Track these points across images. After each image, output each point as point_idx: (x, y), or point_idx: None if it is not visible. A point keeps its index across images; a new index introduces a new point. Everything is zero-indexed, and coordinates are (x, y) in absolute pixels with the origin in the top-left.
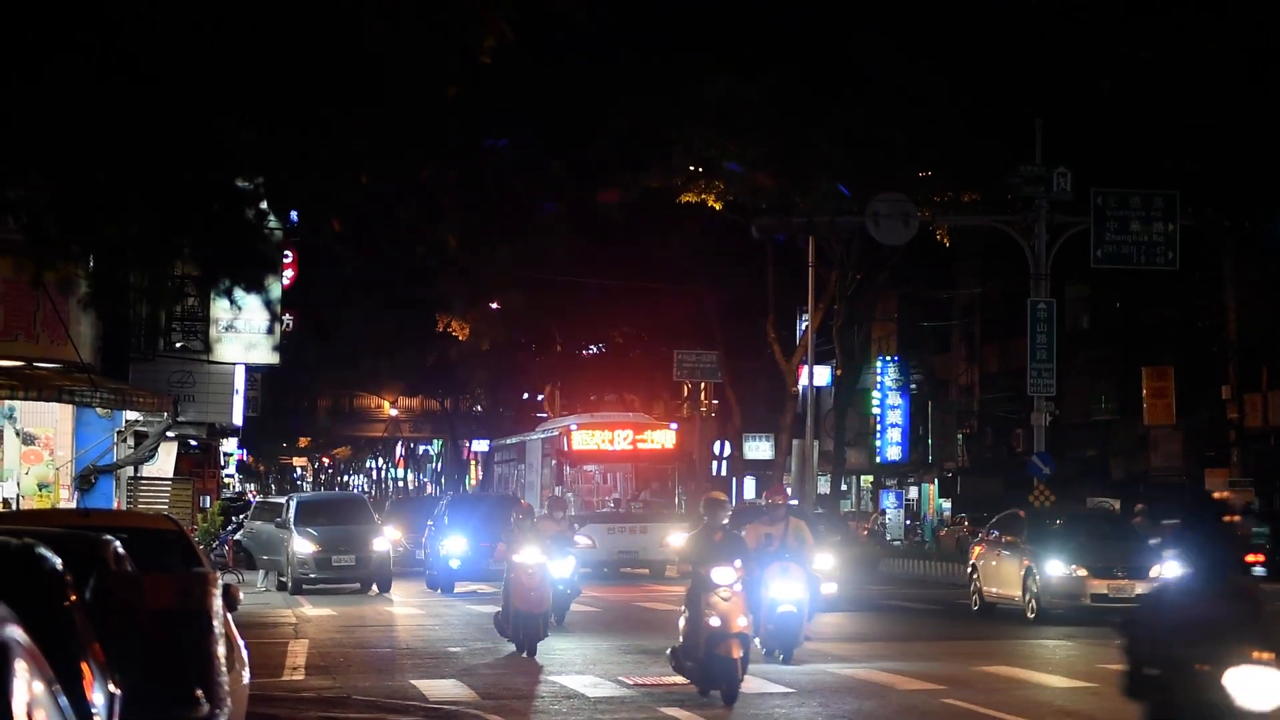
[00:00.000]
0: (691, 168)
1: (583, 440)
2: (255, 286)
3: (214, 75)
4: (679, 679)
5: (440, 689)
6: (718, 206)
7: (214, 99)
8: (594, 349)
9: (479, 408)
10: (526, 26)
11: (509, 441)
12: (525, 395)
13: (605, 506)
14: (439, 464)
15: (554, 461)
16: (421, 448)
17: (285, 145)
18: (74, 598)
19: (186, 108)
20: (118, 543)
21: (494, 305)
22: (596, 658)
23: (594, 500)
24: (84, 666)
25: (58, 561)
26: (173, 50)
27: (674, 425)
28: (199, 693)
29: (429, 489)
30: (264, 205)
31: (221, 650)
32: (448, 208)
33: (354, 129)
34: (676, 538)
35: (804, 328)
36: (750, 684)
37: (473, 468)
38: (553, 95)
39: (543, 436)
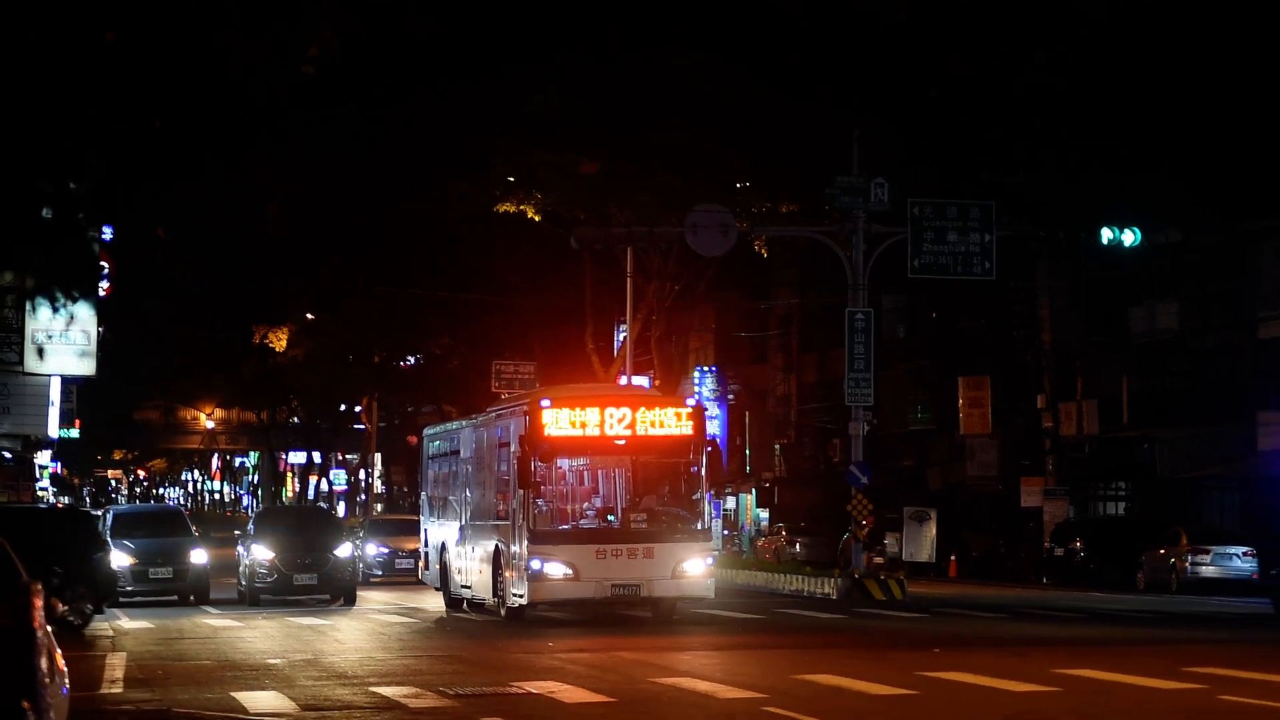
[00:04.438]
0: (510, 178)
1: (558, 422)
2: (87, 294)
3: (50, 85)
4: (502, 689)
5: (261, 701)
6: (536, 217)
7: (51, 109)
8: (412, 360)
9: (296, 419)
10: (357, 38)
11: (444, 429)
12: (343, 406)
13: (589, 519)
14: (255, 476)
15: (516, 455)
16: (238, 460)
17: (120, 154)
18: None
19: (19, 117)
20: None
21: (309, 316)
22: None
23: (573, 510)
24: None
25: None
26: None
27: (693, 400)
28: (25, 704)
29: (244, 501)
30: (91, 213)
31: (45, 663)
32: (275, 215)
33: (191, 136)
34: (695, 565)
35: (622, 338)
36: (570, 694)
37: (289, 479)
38: (379, 104)
39: (495, 421)
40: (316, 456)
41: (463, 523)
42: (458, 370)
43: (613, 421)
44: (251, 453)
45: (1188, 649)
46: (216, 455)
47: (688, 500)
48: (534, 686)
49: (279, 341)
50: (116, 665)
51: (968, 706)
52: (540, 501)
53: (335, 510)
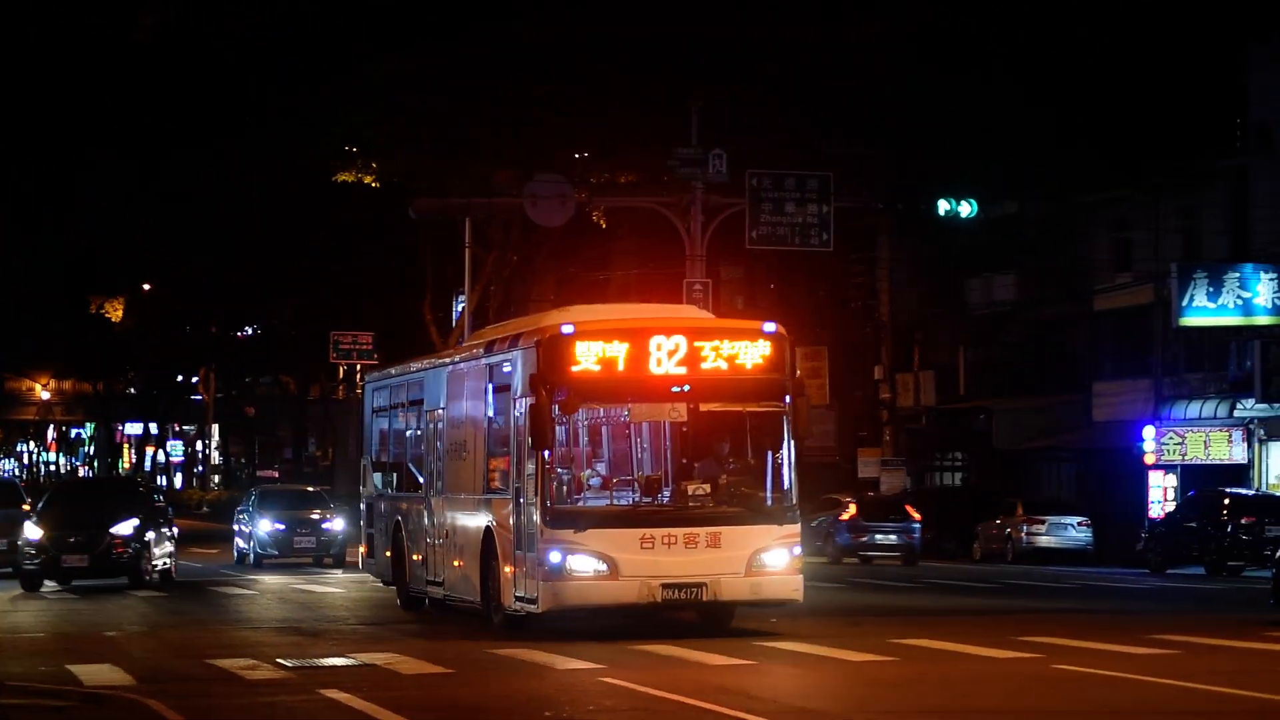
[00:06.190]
0: (350, 148)
1: (587, 356)
2: None
3: None
4: (337, 661)
5: (96, 674)
6: (375, 184)
7: None
8: (250, 330)
9: (133, 390)
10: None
11: (399, 373)
12: (180, 377)
13: (629, 492)
14: (91, 448)
15: (527, 403)
16: (74, 431)
17: None
18: None
19: None
20: None
21: (145, 286)
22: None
23: (608, 480)
24: None
25: None
26: None
27: (771, 326)
28: None
29: (80, 473)
30: None
31: None
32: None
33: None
34: (778, 557)
35: (460, 309)
36: (410, 665)
37: (125, 451)
38: (216, 76)
39: (487, 357)
40: (153, 428)
41: (431, 496)
42: (296, 340)
43: (662, 354)
44: (88, 424)
45: (1023, 619)
46: (52, 426)
47: (766, 465)
48: (374, 658)
49: (115, 311)
50: None
51: (804, 675)
52: (560, 469)
53: (152, 481)
